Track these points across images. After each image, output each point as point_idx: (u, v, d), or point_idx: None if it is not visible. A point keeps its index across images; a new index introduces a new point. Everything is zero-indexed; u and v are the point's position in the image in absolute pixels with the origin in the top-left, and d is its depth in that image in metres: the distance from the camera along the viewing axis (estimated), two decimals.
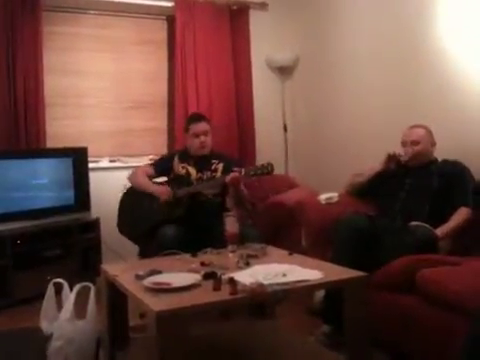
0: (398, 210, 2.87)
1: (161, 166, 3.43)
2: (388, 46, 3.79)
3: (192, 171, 3.33)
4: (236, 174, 3.00)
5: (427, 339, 2.22)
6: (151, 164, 3.53)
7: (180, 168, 3.35)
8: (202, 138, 3.32)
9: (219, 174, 3.31)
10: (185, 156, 3.39)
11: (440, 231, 2.66)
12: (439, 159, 3.02)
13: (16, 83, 3.89)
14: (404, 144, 3.00)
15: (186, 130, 3.41)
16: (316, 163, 4.64)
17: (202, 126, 3.33)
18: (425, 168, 2.94)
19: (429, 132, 2.99)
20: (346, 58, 4.25)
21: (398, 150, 3.04)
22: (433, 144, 3.00)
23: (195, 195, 3.18)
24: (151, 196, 3.22)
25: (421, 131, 2.98)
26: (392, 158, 3.01)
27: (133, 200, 3.32)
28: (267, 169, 2.91)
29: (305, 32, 4.76)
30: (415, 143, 2.95)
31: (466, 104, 3.20)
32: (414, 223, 2.70)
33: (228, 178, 3.04)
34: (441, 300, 2.15)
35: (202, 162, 3.35)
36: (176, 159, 3.40)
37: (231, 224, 2.58)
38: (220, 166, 3.35)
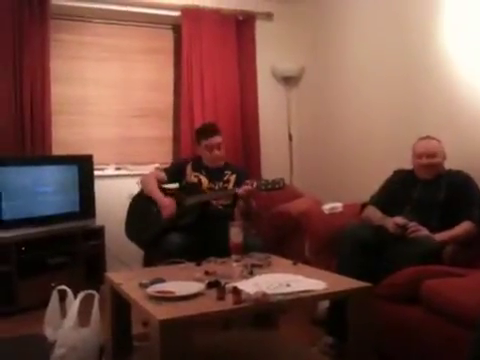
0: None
1: (173, 172, 3.42)
2: (393, 56, 3.80)
3: (204, 180, 3.33)
4: (248, 187, 3.00)
5: (431, 350, 2.21)
6: (164, 169, 3.52)
7: (193, 177, 3.35)
8: (216, 152, 3.31)
9: (231, 185, 3.31)
10: (198, 165, 3.39)
11: (439, 236, 2.65)
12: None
13: (23, 90, 3.91)
14: (420, 156, 2.93)
15: (198, 142, 3.39)
16: (321, 173, 4.65)
17: (216, 140, 3.31)
18: (434, 181, 2.90)
19: (441, 144, 2.96)
20: (351, 68, 4.27)
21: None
22: (445, 157, 2.96)
23: (205, 204, 3.18)
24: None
25: (436, 143, 2.95)
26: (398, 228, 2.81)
27: (143, 204, 3.32)
28: (278, 184, 2.92)
29: (310, 42, 4.78)
30: (433, 155, 2.90)
31: (472, 115, 3.19)
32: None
33: (240, 190, 3.04)
34: (445, 311, 2.15)
35: (215, 173, 3.35)
36: (189, 167, 3.39)
37: (235, 234, 2.57)
38: (233, 177, 3.35)
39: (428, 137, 2.99)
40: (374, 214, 2.96)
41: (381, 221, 2.84)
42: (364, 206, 3.11)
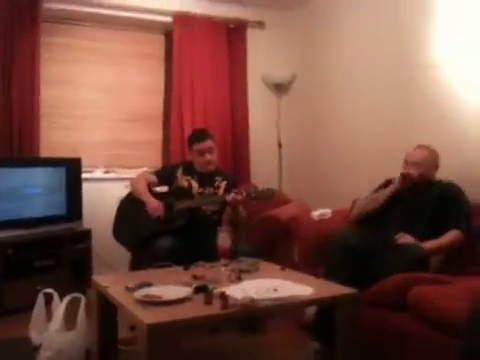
0: (392, 227, 2.87)
1: (164, 175, 3.42)
2: (384, 65, 3.84)
3: (194, 185, 3.33)
4: (237, 196, 3.01)
5: (418, 357, 2.22)
6: (155, 172, 3.52)
7: (183, 181, 3.35)
8: (207, 156, 3.31)
9: (221, 191, 3.31)
10: (189, 170, 3.39)
11: (427, 244, 2.67)
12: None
13: (12, 92, 3.89)
14: (405, 163, 2.95)
15: (190, 147, 3.40)
16: (310, 180, 4.66)
17: (207, 144, 3.32)
18: (423, 190, 2.92)
19: (432, 155, 2.95)
20: (342, 77, 4.30)
21: (396, 170, 3.02)
22: (435, 167, 2.96)
23: (194, 209, 3.18)
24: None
25: (425, 152, 2.94)
26: (407, 177, 2.89)
27: (132, 207, 3.31)
28: (267, 194, 2.94)
29: (301, 50, 4.81)
30: (416, 165, 2.90)
31: (462, 127, 3.22)
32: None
33: (229, 198, 3.04)
34: (433, 318, 2.16)
35: (206, 178, 3.35)
36: (180, 171, 3.39)
37: (223, 239, 2.58)
38: (223, 184, 3.36)
39: (421, 146, 3.00)
40: (365, 200, 3.05)
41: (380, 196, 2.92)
42: (354, 203, 3.15)
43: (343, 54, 4.29)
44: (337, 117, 4.36)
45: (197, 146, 3.33)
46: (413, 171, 2.90)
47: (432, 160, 2.96)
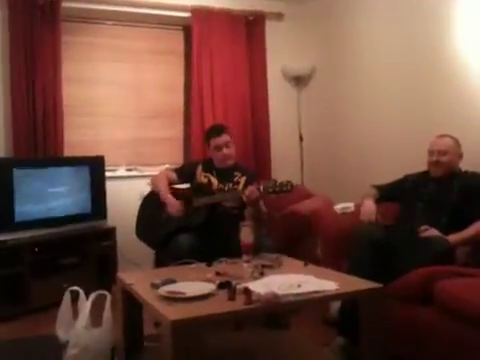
0: (415, 221, 2.84)
1: (184, 173, 3.43)
2: (405, 56, 3.78)
3: (214, 181, 3.33)
4: (254, 189, 2.98)
5: (444, 351, 2.19)
6: (175, 169, 3.53)
7: (203, 177, 3.35)
8: (225, 150, 3.30)
9: (241, 187, 3.30)
10: (209, 166, 3.39)
11: (452, 237, 2.62)
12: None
13: (35, 92, 3.95)
14: (431, 153, 2.94)
15: (207, 143, 3.40)
16: (332, 173, 4.63)
17: (223, 138, 3.30)
18: (447, 180, 2.88)
19: (457, 143, 2.93)
20: (362, 68, 4.25)
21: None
22: (460, 156, 2.94)
23: (214, 205, 3.18)
24: None
25: (449, 141, 2.92)
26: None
27: (154, 205, 3.32)
28: (286, 187, 2.88)
29: (321, 42, 4.77)
30: (442, 153, 2.89)
31: None
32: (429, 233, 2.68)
33: (246, 192, 3.03)
34: (459, 312, 2.13)
35: (225, 174, 3.34)
36: (200, 168, 3.39)
37: (246, 234, 2.57)
38: (243, 179, 3.34)
39: (443, 135, 2.97)
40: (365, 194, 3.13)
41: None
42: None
43: (363, 44, 4.24)
44: (358, 109, 4.32)
45: (214, 141, 3.32)
46: (442, 159, 2.87)
47: (457, 148, 2.94)
